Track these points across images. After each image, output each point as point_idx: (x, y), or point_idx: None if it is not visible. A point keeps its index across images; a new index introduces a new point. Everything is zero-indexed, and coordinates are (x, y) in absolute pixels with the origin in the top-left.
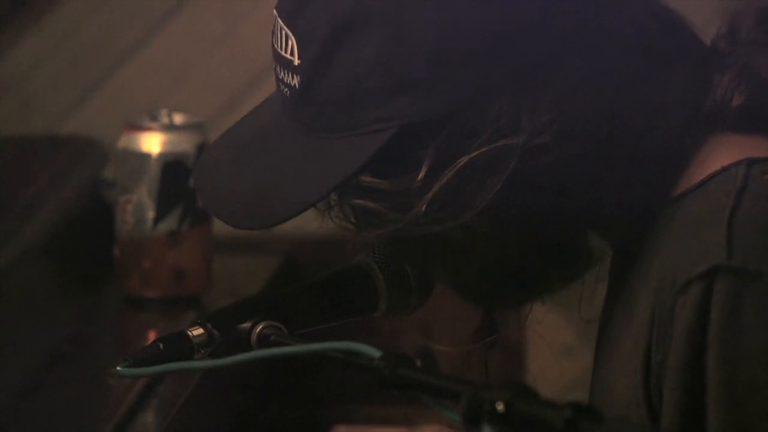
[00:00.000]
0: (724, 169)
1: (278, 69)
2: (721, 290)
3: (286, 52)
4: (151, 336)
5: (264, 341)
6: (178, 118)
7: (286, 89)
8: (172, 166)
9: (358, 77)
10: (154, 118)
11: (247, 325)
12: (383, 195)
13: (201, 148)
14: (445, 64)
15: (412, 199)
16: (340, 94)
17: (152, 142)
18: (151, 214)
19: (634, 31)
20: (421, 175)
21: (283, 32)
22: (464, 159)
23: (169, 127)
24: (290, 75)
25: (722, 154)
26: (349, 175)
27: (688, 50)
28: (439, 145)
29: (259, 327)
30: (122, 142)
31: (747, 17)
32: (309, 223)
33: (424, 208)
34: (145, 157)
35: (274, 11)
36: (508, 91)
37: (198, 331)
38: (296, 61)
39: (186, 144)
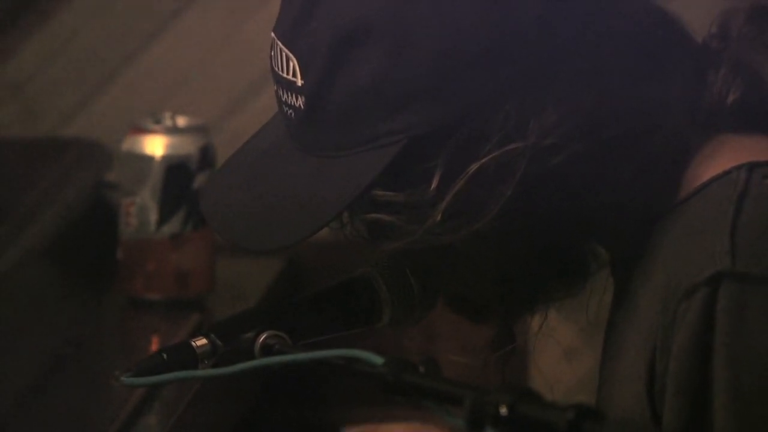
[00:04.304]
0: (726, 173)
1: (280, 91)
2: (725, 296)
3: (287, 73)
4: (155, 338)
5: (267, 351)
6: (181, 121)
7: (290, 111)
8: (175, 168)
9: (364, 92)
10: (158, 120)
11: (250, 335)
12: (397, 208)
13: (204, 151)
14: (450, 71)
15: (426, 210)
16: (346, 111)
17: (155, 145)
18: (154, 217)
19: (634, 30)
20: (433, 185)
21: (284, 54)
22: (475, 165)
23: (173, 130)
24: (294, 96)
25: (723, 156)
26: (361, 191)
27: (685, 49)
28: (449, 154)
29: (263, 337)
30: (126, 144)
31: (738, 15)
32: None
33: (438, 218)
34: (149, 159)
35: (272, 34)
36: (514, 94)
37: (201, 342)
38: (299, 82)
39: (189, 146)
